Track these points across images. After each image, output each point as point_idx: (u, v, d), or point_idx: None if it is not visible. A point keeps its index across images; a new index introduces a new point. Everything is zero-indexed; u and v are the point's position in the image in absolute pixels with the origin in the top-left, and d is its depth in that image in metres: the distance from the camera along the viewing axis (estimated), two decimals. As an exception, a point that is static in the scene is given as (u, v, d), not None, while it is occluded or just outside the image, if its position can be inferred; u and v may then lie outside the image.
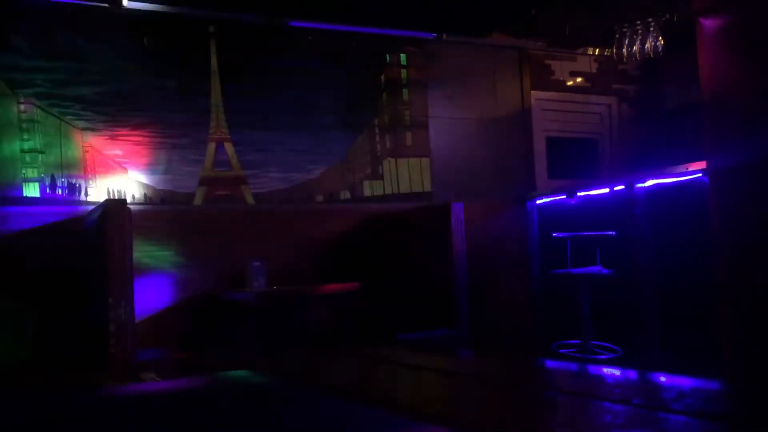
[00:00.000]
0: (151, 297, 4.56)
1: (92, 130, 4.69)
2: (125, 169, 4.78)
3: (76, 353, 4.26)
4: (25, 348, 4.24)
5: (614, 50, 5.44)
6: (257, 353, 4.46)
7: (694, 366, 3.35)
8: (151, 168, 4.83)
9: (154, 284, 4.60)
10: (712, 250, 3.67)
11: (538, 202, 5.47)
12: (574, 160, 6.36)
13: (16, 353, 4.22)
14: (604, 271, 4.42)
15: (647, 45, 5.16)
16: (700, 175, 3.92)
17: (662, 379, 2.44)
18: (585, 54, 6.43)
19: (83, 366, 4.16)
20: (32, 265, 4.35)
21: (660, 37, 5.12)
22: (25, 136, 4.50)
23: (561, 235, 4.73)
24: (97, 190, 4.70)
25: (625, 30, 5.25)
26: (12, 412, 2.76)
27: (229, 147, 5.06)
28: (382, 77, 5.62)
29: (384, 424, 2.11)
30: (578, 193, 5.00)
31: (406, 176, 5.63)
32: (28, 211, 4.45)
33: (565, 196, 5.15)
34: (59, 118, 4.60)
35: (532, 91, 6.18)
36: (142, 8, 4.79)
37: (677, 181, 4.15)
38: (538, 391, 2.46)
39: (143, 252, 4.55)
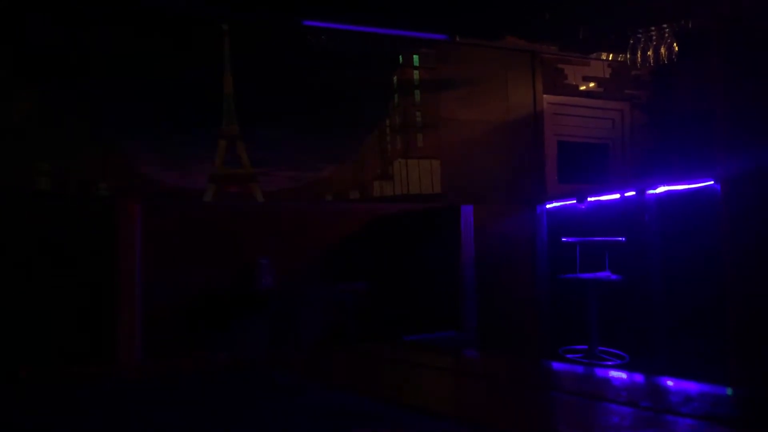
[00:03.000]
0: (158, 293, 4.57)
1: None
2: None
3: (82, 348, 4.28)
4: (31, 341, 4.26)
5: (628, 56, 5.43)
6: (264, 350, 4.47)
7: (701, 373, 3.34)
8: (162, 164, 4.85)
9: (162, 280, 4.61)
10: (722, 257, 3.66)
11: (548, 206, 5.47)
12: (585, 164, 6.34)
13: (23, 346, 4.24)
14: (613, 276, 4.41)
15: (661, 51, 5.14)
16: (712, 182, 3.90)
17: (669, 383, 2.43)
18: (598, 59, 6.41)
19: (90, 361, 4.18)
20: (39, 259, 4.38)
21: (674, 43, 5.10)
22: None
23: (570, 239, 4.72)
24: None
25: (639, 35, 5.24)
26: (22, 404, 2.77)
27: (240, 144, 5.07)
28: (395, 78, 5.63)
29: (390, 419, 2.11)
30: (588, 199, 5.00)
31: (417, 177, 5.63)
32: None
33: (575, 201, 5.14)
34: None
35: (545, 95, 6.17)
36: (156, 5, 4.82)
37: (689, 189, 4.13)
38: (546, 391, 2.46)
39: (151, 247, 4.56)
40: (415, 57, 5.71)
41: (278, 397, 2.62)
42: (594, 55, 6.38)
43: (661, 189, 4.33)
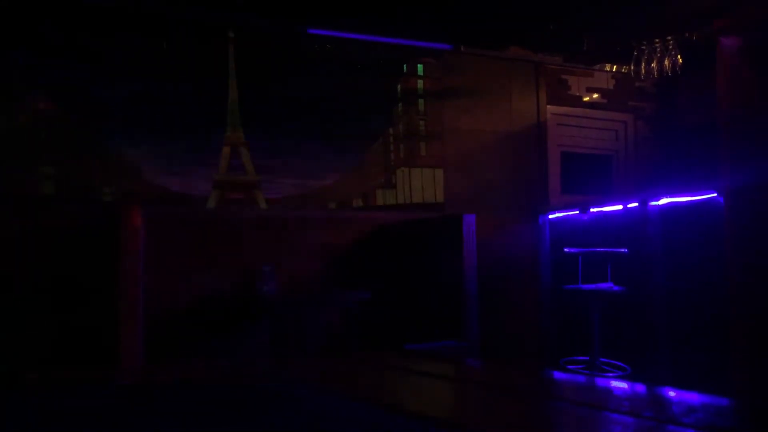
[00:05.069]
0: (161, 298, 4.57)
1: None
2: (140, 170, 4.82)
3: (86, 351, 4.29)
4: (35, 345, 4.26)
5: (632, 67, 5.44)
6: (267, 357, 4.47)
7: (704, 384, 3.33)
8: (166, 170, 4.86)
9: (165, 285, 4.61)
10: (725, 269, 3.65)
11: (550, 216, 5.46)
12: (588, 175, 6.34)
13: (27, 350, 4.24)
14: (615, 288, 4.40)
15: (665, 63, 5.15)
16: (715, 195, 3.90)
17: (672, 393, 2.42)
18: (602, 70, 6.43)
19: (93, 364, 4.18)
20: (48, 263, 4.39)
21: (678, 55, 5.11)
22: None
23: (573, 250, 4.72)
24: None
25: (643, 47, 5.25)
26: (26, 407, 2.77)
27: (244, 151, 5.08)
28: (399, 87, 5.64)
29: (391, 427, 2.11)
30: (591, 209, 4.99)
31: (419, 186, 5.63)
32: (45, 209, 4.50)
33: (578, 212, 5.14)
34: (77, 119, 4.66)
35: (548, 106, 6.18)
36: (162, 11, 4.85)
37: (692, 201, 4.13)
38: (547, 400, 2.45)
39: (154, 252, 4.57)
40: (420, 66, 5.73)
41: (279, 403, 2.62)
42: (598, 67, 6.40)
43: (664, 201, 4.33)
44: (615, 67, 6.37)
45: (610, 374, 4.47)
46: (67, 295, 4.38)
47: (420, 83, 5.73)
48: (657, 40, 5.15)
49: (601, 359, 4.56)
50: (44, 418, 2.51)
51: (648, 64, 5.24)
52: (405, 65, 5.68)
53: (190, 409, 2.60)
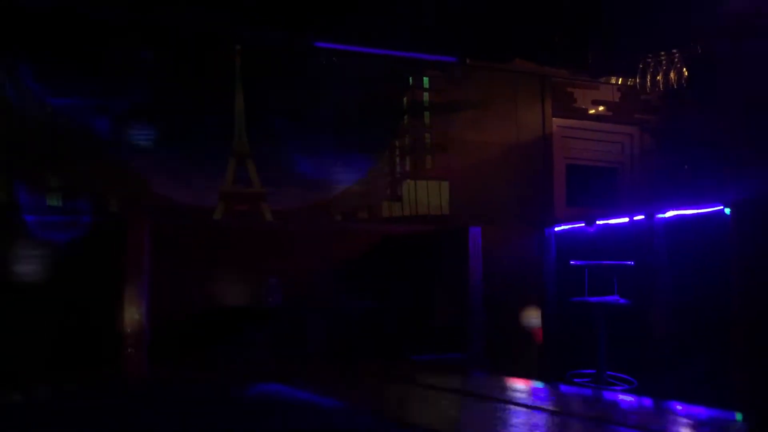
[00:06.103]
0: (167, 307, 4.57)
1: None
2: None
3: (90, 356, 4.29)
4: (42, 348, 4.27)
5: (637, 80, 5.45)
6: (271, 367, 4.46)
7: (711, 398, 3.30)
8: (172, 181, 4.88)
9: (171, 295, 4.62)
10: (731, 282, 3.64)
11: (556, 229, 5.45)
12: (593, 188, 6.33)
13: (31, 353, 4.25)
14: (622, 301, 4.37)
15: (671, 75, 5.16)
16: (722, 207, 3.89)
17: (679, 407, 2.41)
18: (608, 83, 6.43)
19: (97, 368, 4.19)
20: (55, 270, 4.41)
21: (683, 68, 5.12)
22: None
23: (579, 263, 4.70)
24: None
25: (648, 60, 5.26)
26: (26, 407, 2.78)
27: (250, 163, 5.10)
28: (405, 99, 5.66)
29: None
30: (597, 222, 4.98)
31: (425, 198, 5.64)
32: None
33: (583, 224, 5.13)
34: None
35: (554, 118, 6.18)
36: (169, 24, 4.89)
37: (698, 213, 4.12)
38: (553, 414, 2.44)
39: (160, 263, 4.58)
40: (425, 79, 5.75)
41: (282, 411, 2.62)
42: (603, 79, 6.40)
43: (670, 213, 4.31)
44: (620, 79, 6.38)
45: (617, 387, 4.44)
46: (73, 302, 4.39)
47: (426, 96, 5.74)
48: (662, 53, 5.16)
49: (608, 372, 4.53)
50: (45, 419, 2.51)
51: (653, 77, 5.25)
52: (411, 78, 5.70)
53: (191, 412, 2.60)
